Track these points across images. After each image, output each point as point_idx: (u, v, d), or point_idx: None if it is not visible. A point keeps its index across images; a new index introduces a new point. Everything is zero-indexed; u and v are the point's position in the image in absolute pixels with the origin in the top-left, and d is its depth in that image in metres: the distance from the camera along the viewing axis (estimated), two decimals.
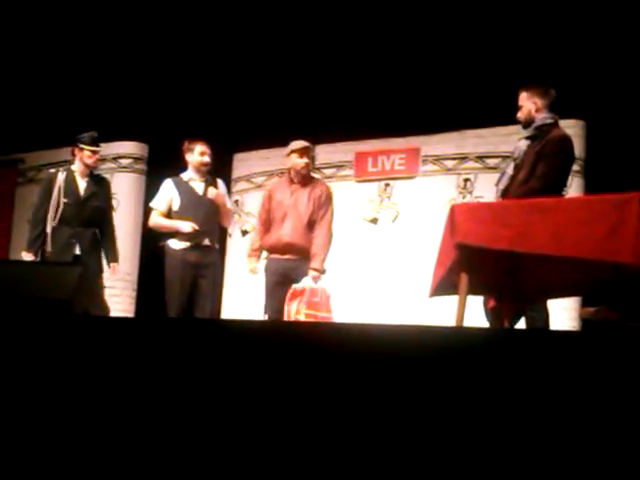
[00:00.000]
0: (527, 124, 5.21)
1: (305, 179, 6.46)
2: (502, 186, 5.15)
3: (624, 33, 6.73)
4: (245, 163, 8.87)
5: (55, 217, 6.24)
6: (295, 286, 6.07)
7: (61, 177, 6.37)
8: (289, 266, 6.26)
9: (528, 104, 5.20)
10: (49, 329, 3.05)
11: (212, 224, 6.37)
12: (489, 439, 2.37)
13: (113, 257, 6.51)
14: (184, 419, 2.65)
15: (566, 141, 5.14)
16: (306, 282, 6.06)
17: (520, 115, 5.26)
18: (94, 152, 6.42)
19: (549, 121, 5.15)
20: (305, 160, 6.40)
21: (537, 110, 5.16)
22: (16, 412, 2.81)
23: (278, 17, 7.83)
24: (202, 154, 6.40)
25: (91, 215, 6.37)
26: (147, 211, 8.66)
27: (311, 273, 6.11)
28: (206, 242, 6.30)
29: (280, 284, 6.23)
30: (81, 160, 6.41)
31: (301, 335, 2.84)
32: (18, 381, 2.86)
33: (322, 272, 6.18)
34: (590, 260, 3.93)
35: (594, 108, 6.99)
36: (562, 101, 5.36)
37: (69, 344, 2.93)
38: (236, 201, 8.86)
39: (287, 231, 6.31)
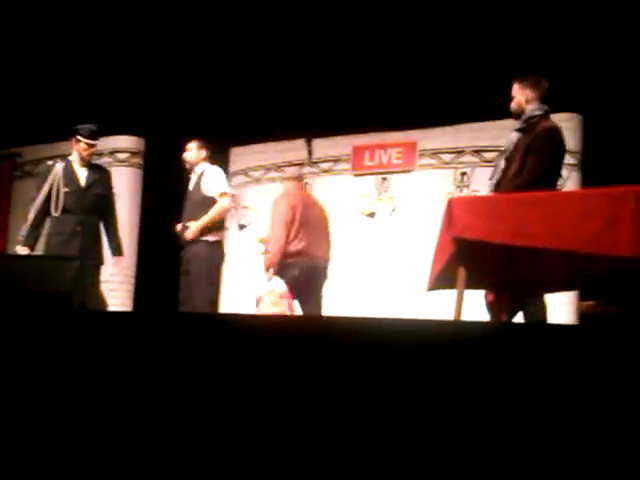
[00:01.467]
0: (518, 115, 5.17)
1: None
2: (494, 180, 5.11)
3: (620, 26, 6.72)
4: (242, 157, 8.86)
5: (57, 207, 6.24)
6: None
7: (59, 167, 6.36)
8: None
9: (519, 95, 5.16)
10: (47, 323, 3.05)
11: (195, 218, 6.40)
12: (487, 432, 2.37)
13: (118, 250, 6.51)
14: (182, 414, 2.66)
15: (554, 132, 5.09)
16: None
17: (512, 106, 5.21)
18: (90, 145, 6.42)
19: (538, 112, 5.09)
20: None
21: (527, 101, 5.11)
22: (13, 406, 2.82)
23: (274, 12, 7.81)
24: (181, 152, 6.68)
25: (93, 203, 6.38)
26: (143, 205, 8.70)
27: None
28: (188, 236, 6.36)
29: None
30: (77, 151, 6.42)
31: (298, 329, 2.83)
32: (15, 375, 2.87)
33: (267, 271, 6.43)
34: (588, 254, 3.94)
35: (590, 101, 6.99)
36: (558, 94, 5.34)
37: (67, 338, 2.93)
38: (233, 195, 8.86)
39: None
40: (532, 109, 5.10)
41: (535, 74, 5.27)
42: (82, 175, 6.41)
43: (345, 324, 2.85)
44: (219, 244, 6.57)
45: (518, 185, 4.88)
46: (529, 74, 5.25)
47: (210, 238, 6.47)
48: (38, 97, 8.68)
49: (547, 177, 4.93)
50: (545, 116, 5.13)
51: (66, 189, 6.30)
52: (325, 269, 6.64)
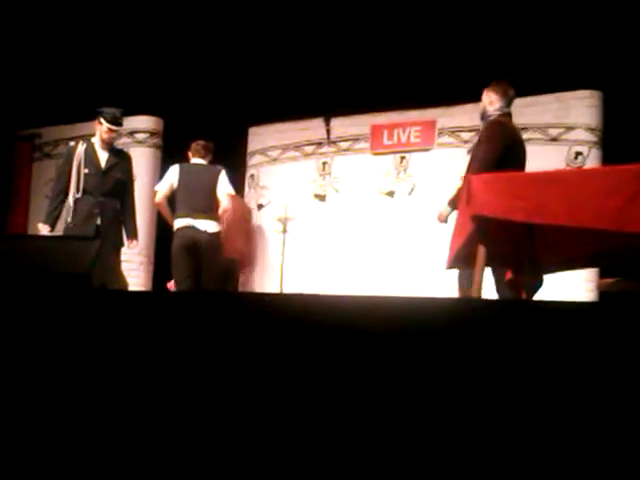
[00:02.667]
0: (481, 117, 5.54)
1: None
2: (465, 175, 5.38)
3: None
4: (260, 137, 8.85)
5: (78, 188, 6.25)
6: None
7: (81, 148, 6.38)
8: None
9: (484, 99, 5.51)
10: (68, 303, 3.07)
11: None
12: (507, 409, 2.37)
13: (133, 234, 6.53)
14: (201, 392, 2.67)
15: (497, 125, 5.36)
16: None
17: (480, 110, 5.59)
18: (111, 130, 6.42)
19: (496, 112, 5.41)
20: None
21: (491, 104, 5.45)
22: (34, 385, 2.84)
23: None
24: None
25: (113, 186, 6.39)
26: None
27: None
28: None
29: None
30: (99, 133, 6.43)
31: (305, 308, 2.83)
32: (37, 355, 2.89)
33: None
34: (608, 231, 3.91)
35: (611, 78, 6.94)
36: (579, 72, 5.33)
37: (88, 318, 2.95)
38: (252, 175, 8.87)
39: None
40: (493, 110, 5.44)
41: (503, 81, 5.56)
42: (103, 158, 6.42)
43: (361, 303, 2.85)
44: (175, 232, 6.96)
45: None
46: (497, 81, 5.55)
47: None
48: (57, 78, 8.70)
49: (496, 168, 5.08)
50: (502, 116, 5.43)
51: (86, 170, 6.31)
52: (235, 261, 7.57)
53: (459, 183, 5.34)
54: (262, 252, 8.29)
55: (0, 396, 2.85)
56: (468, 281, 5.12)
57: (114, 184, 6.40)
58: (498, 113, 5.42)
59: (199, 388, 2.68)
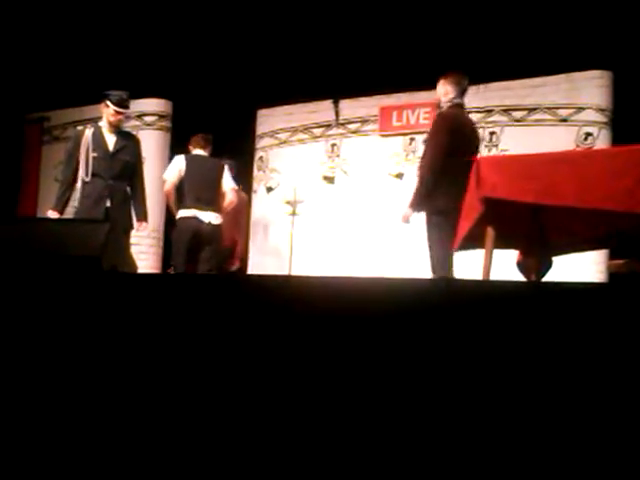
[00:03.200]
0: (437, 107, 5.67)
1: None
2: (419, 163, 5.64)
3: None
4: (269, 119, 8.85)
5: (87, 171, 6.26)
6: None
7: (89, 132, 6.38)
8: None
9: (440, 89, 5.58)
10: (78, 286, 3.08)
11: None
12: (512, 389, 2.38)
13: (143, 216, 6.53)
14: (210, 372, 2.68)
15: (439, 121, 5.47)
16: None
17: (435, 100, 5.73)
18: (118, 112, 6.42)
19: (448, 104, 5.51)
20: None
21: (446, 94, 5.53)
22: (45, 365, 2.86)
23: None
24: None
25: (121, 169, 6.39)
26: None
27: None
28: None
29: None
30: (106, 116, 6.42)
31: (311, 289, 2.83)
32: (48, 337, 2.90)
33: None
34: (618, 212, 3.91)
35: (621, 59, 6.91)
36: (589, 52, 5.30)
37: (98, 300, 2.96)
38: (260, 157, 8.87)
39: None
40: (445, 101, 5.54)
41: (458, 71, 5.64)
42: (110, 141, 6.42)
43: (367, 285, 2.86)
44: (177, 220, 7.09)
45: (421, 172, 5.47)
46: (451, 72, 5.62)
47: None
48: (66, 61, 8.70)
49: (442, 161, 5.27)
50: (453, 107, 5.52)
51: (94, 154, 6.31)
52: None
53: (417, 186, 5.51)
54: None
55: (11, 378, 2.87)
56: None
57: (123, 167, 6.40)
58: (448, 105, 5.51)
59: (208, 369, 2.69)
